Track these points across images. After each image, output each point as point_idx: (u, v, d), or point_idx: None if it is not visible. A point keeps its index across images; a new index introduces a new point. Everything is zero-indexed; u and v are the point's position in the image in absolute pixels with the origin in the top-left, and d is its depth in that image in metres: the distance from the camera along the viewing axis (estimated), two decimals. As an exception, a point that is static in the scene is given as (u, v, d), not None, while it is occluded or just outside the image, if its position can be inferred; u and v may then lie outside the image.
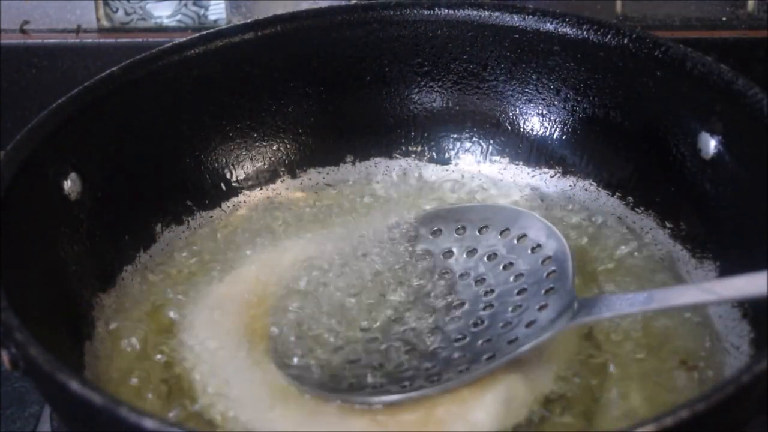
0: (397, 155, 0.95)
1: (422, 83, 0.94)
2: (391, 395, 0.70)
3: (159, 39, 1.07)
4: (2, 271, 0.67)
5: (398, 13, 0.92)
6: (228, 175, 0.91)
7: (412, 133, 0.95)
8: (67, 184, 0.79)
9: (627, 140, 0.88)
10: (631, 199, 0.88)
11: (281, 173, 0.93)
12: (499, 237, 0.79)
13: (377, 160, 0.95)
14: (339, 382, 0.71)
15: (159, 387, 0.74)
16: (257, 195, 0.92)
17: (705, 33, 1.11)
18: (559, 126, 0.91)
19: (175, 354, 0.76)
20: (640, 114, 0.87)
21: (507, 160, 0.93)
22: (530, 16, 0.89)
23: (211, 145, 0.91)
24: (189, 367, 0.75)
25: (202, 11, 1.15)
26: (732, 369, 0.73)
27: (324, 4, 1.02)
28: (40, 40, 1.13)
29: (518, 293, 0.75)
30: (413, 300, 0.77)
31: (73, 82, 0.86)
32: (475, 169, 0.94)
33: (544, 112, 0.92)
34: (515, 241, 0.78)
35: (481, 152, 0.94)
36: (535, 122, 0.92)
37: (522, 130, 0.93)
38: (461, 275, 0.78)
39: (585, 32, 0.87)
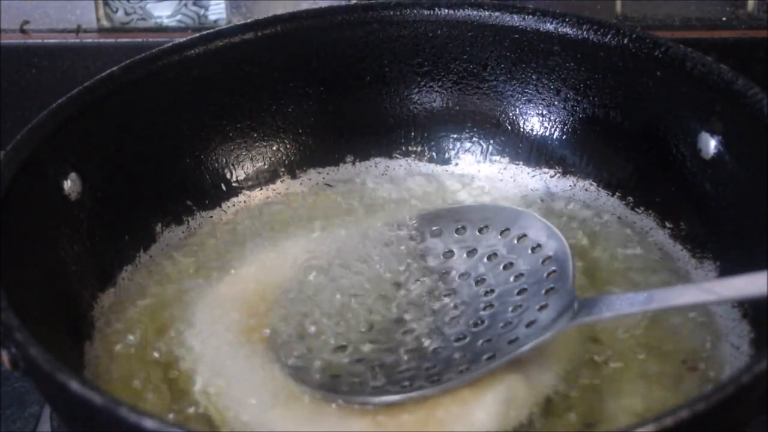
0: (397, 155, 0.95)
1: (422, 83, 0.94)
2: (392, 395, 0.70)
3: (159, 39, 1.07)
4: (2, 271, 0.67)
5: (398, 13, 0.92)
6: (228, 175, 0.91)
7: (412, 133, 0.95)
8: (67, 184, 0.79)
9: (627, 140, 0.88)
10: (631, 199, 0.88)
11: (281, 173, 0.93)
12: (500, 237, 0.79)
13: (377, 160, 0.94)
14: (339, 383, 0.71)
15: (159, 387, 0.74)
16: (257, 195, 0.92)
17: (705, 33, 1.11)
18: (559, 126, 0.91)
19: (175, 354, 0.76)
20: (640, 114, 0.87)
21: (507, 160, 0.93)
22: (530, 16, 0.89)
23: (211, 145, 0.91)
24: (189, 367, 0.75)
25: (202, 11, 1.15)
26: (732, 369, 0.73)
27: (324, 4, 1.02)
28: (40, 40, 1.13)
29: (518, 293, 0.75)
30: (413, 300, 0.77)
31: (73, 82, 0.86)
32: (475, 169, 0.94)
33: (544, 112, 0.92)
34: (515, 241, 0.78)
35: (481, 152, 0.94)
36: (535, 122, 0.92)
37: (522, 130, 0.93)
38: (461, 275, 0.78)
39: (585, 32, 0.87)
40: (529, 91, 0.92)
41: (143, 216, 0.86)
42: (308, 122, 0.94)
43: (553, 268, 0.74)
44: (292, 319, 0.77)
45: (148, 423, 0.57)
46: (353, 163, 0.94)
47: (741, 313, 0.76)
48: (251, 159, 0.92)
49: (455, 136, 0.94)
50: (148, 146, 0.87)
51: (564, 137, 0.91)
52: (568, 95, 0.90)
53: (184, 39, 0.89)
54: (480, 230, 0.80)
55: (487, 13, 0.91)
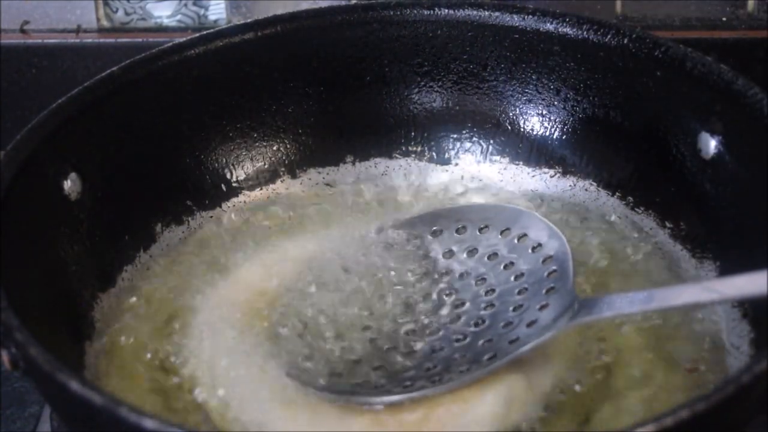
0: (397, 155, 0.95)
1: (422, 83, 0.94)
2: (392, 395, 0.70)
3: (159, 39, 1.07)
4: (2, 271, 0.67)
5: (398, 13, 0.92)
6: (228, 175, 0.91)
7: (412, 133, 0.95)
8: (67, 184, 0.79)
9: (627, 140, 0.88)
10: (631, 199, 0.88)
11: (281, 173, 0.93)
12: (500, 237, 0.79)
13: (377, 160, 0.94)
14: (340, 383, 0.71)
15: (159, 387, 0.74)
16: (257, 195, 0.92)
17: (705, 33, 1.11)
18: (559, 126, 0.91)
19: (175, 354, 0.76)
20: (640, 114, 0.87)
21: (507, 160, 0.93)
22: (530, 16, 0.89)
23: (211, 145, 0.90)
24: (189, 367, 0.75)
25: (202, 11, 1.15)
26: (732, 369, 0.73)
27: (324, 4, 1.02)
28: (40, 40, 1.13)
29: (519, 293, 0.75)
30: (414, 300, 0.77)
31: (73, 82, 0.86)
32: (475, 169, 0.94)
33: (544, 112, 0.92)
34: (516, 241, 0.78)
35: (481, 152, 0.94)
36: (535, 122, 0.92)
37: (522, 130, 0.93)
38: (462, 275, 0.78)
39: (585, 32, 0.87)
40: (529, 91, 0.92)
41: (143, 216, 0.86)
42: (308, 122, 0.94)
43: (554, 267, 0.74)
44: (292, 320, 0.77)
45: (148, 423, 0.57)
46: (353, 163, 0.94)
47: (741, 313, 0.76)
48: (251, 159, 0.92)
49: (455, 136, 0.94)
50: (148, 146, 0.87)
51: (564, 137, 0.91)
52: (568, 95, 0.90)
53: (184, 39, 0.89)
54: (480, 230, 0.80)
55: (487, 13, 0.91)
